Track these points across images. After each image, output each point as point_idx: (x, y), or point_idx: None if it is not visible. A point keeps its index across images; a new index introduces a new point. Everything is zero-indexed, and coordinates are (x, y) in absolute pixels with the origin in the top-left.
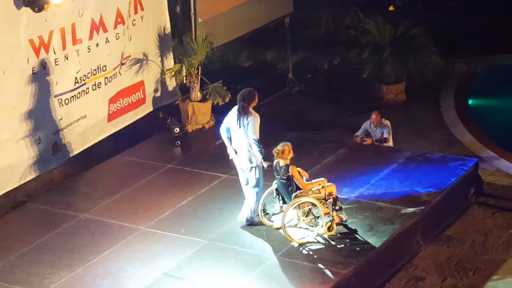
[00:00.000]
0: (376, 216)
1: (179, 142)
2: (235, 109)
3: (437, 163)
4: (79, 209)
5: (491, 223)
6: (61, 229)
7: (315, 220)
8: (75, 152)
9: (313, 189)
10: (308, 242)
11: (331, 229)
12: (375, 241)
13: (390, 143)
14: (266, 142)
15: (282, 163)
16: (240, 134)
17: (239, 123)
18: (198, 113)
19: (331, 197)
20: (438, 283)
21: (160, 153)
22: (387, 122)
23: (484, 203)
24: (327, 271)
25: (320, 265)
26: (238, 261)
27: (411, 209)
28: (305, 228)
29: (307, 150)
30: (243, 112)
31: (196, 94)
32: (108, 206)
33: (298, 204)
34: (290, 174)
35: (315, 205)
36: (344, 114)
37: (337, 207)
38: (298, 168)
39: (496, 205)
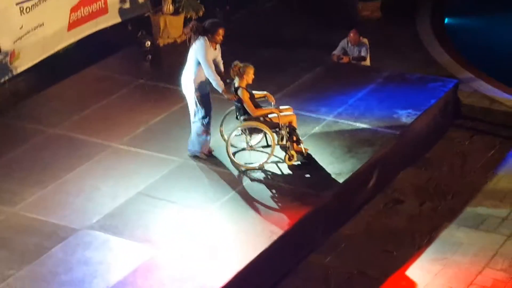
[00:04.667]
0: (355, 137)
1: (149, 56)
2: None
3: (416, 84)
4: (48, 124)
5: (469, 146)
6: (30, 144)
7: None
8: (35, 62)
9: (269, 115)
10: (263, 168)
11: (291, 158)
12: (355, 163)
13: (368, 62)
14: (238, 60)
15: (237, 83)
16: (188, 57)
17: (191, 45)
18: (170, 26)
19: (287, 126)
20: (417, 206)
21: (131, 68)
22: (365, 41)
23: (462, 125)
24: (307, 193)
25: (300, 188)
26: (215, 181)
27: (390, 131)
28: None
29: (283, 68)
30: (195, 33)
31: (168, 7)
32: (79, 121)
33: (246, 129)
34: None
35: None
36: (319, 32)
37: (294, 138)
38: (263, 92)
39: (475, 127)
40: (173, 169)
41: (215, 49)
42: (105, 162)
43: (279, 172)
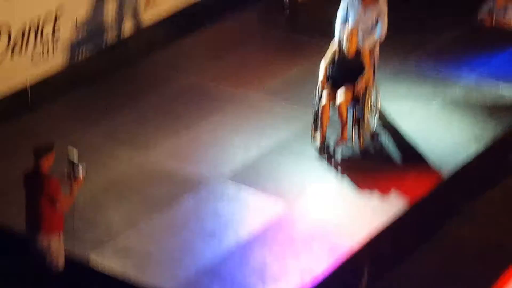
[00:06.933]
0: (497, 101)
1: (288, 11)
2: None
3: None
4: (183, 72)
5: None
6: (164, 92)
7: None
8: (170, 11)
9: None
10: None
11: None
12: (494, 126)
13: None
14: None
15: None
16: None
17: None
18: None
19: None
20: None
21: (268, 20)
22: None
23: None
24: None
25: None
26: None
27: None
28: None
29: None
30: None
31: None
32: (215, 71)
33: None
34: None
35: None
36: None
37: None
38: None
39: None
40: (306, 123)
41: (364, 11)
42: (239, 112)
43: (405, 142)
